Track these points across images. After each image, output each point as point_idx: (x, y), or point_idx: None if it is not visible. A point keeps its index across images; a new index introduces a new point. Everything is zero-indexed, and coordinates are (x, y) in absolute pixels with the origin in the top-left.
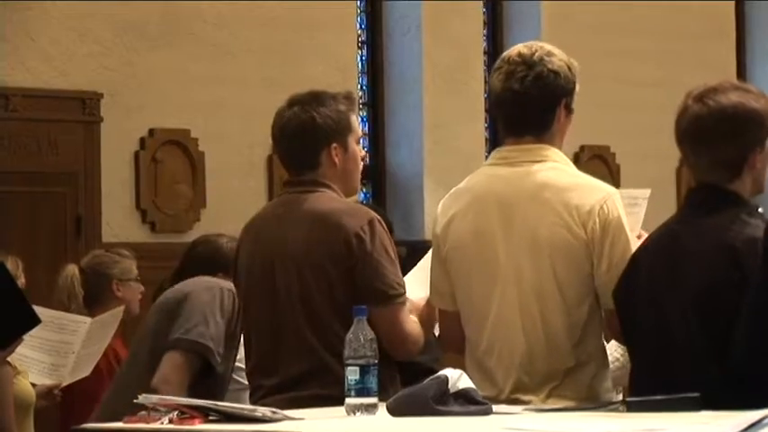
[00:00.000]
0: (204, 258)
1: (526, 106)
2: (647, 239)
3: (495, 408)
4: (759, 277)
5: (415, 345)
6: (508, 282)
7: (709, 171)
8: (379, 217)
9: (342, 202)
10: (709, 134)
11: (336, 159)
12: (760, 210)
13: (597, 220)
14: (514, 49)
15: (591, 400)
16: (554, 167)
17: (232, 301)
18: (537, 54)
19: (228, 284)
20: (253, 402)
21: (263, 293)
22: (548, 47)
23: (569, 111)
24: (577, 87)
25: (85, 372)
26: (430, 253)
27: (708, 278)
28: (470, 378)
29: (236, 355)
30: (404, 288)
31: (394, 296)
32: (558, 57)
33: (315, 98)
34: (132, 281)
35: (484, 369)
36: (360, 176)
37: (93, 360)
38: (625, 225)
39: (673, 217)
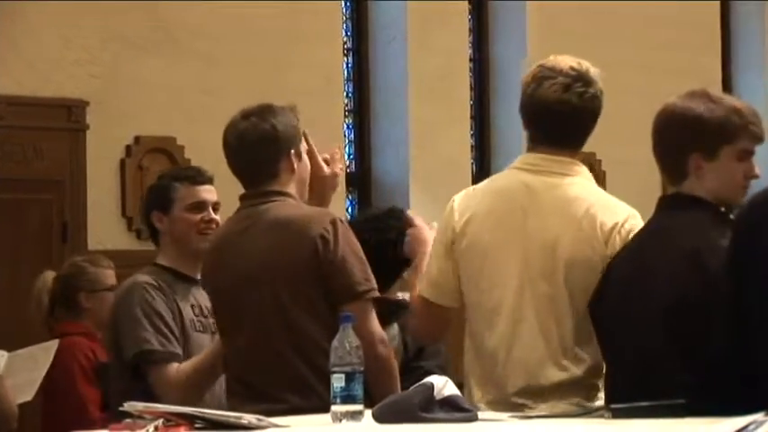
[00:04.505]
0: None
1: (578, 121)
2: (621, 250)
3: (480, 414)
4: (727, 282)
5: (385, 346)
6: (525, 289)
7: (667, 176)
8: (340, 217)
9: (302, 207)
10: (657, 139)
11: (294, 166)
12: (731, 215)
13: (618, 238)
14: (562, 62)
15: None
16: (583, 184)
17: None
18: (591, 72)
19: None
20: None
21: (234, 309)
22: (588, 63)
23: None
24: None
25: (27, 397)
26: None
27: (674, 285)
28: (469, 376)
29: None
30: (372, 284)
31: (363, 292)
32: (599, 75)
33: (268, 109)
34: (103, 291)
35: (490, 371)
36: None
37: (33, 386)
38: None
39: (643, 226)
